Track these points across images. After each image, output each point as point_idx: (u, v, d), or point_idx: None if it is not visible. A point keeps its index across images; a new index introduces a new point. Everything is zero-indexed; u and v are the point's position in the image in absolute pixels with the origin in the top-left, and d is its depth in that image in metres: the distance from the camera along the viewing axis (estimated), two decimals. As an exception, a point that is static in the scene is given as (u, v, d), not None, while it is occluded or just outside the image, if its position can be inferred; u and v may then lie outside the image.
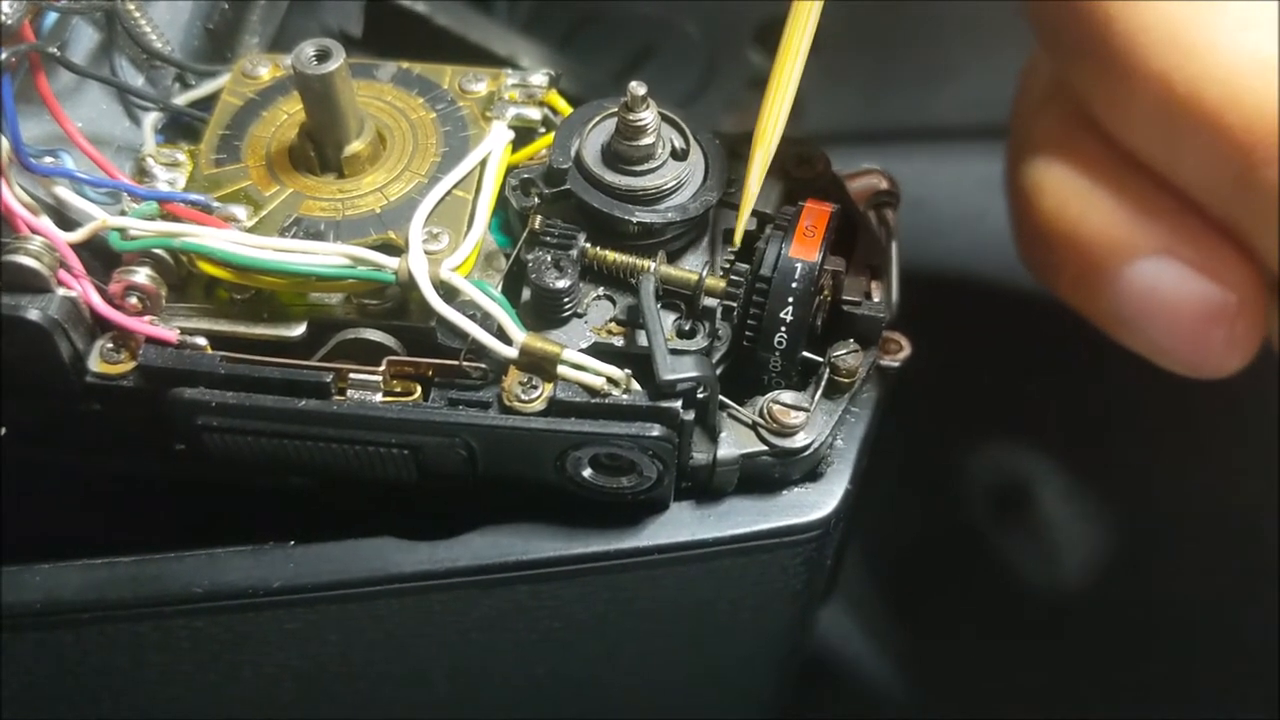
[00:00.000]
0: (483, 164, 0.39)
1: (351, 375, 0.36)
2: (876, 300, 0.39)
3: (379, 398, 0.36)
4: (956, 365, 0.53)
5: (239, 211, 0.37)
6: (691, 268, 0.38)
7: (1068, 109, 0.41)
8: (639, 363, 0.36)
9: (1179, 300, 0.39)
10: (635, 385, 0.35)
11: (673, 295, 0.37)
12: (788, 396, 0.37)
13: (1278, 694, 0.55)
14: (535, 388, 0.35)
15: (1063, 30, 0.39)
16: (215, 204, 0.37)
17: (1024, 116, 0.44)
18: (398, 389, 0.36)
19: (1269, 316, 0.40)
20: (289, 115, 0.40)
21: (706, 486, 0.38)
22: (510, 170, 0.39)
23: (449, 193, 0.38)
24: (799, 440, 0.37)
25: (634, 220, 0.37)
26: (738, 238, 0.38)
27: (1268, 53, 0.35)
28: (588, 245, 0.37)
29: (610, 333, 0.37)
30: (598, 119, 0.38)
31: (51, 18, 0.37)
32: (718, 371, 0.36)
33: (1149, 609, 0.60)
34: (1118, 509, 0.62)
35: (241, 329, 0.36)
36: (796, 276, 0.36)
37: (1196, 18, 0.36)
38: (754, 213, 0.39)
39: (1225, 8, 0.36)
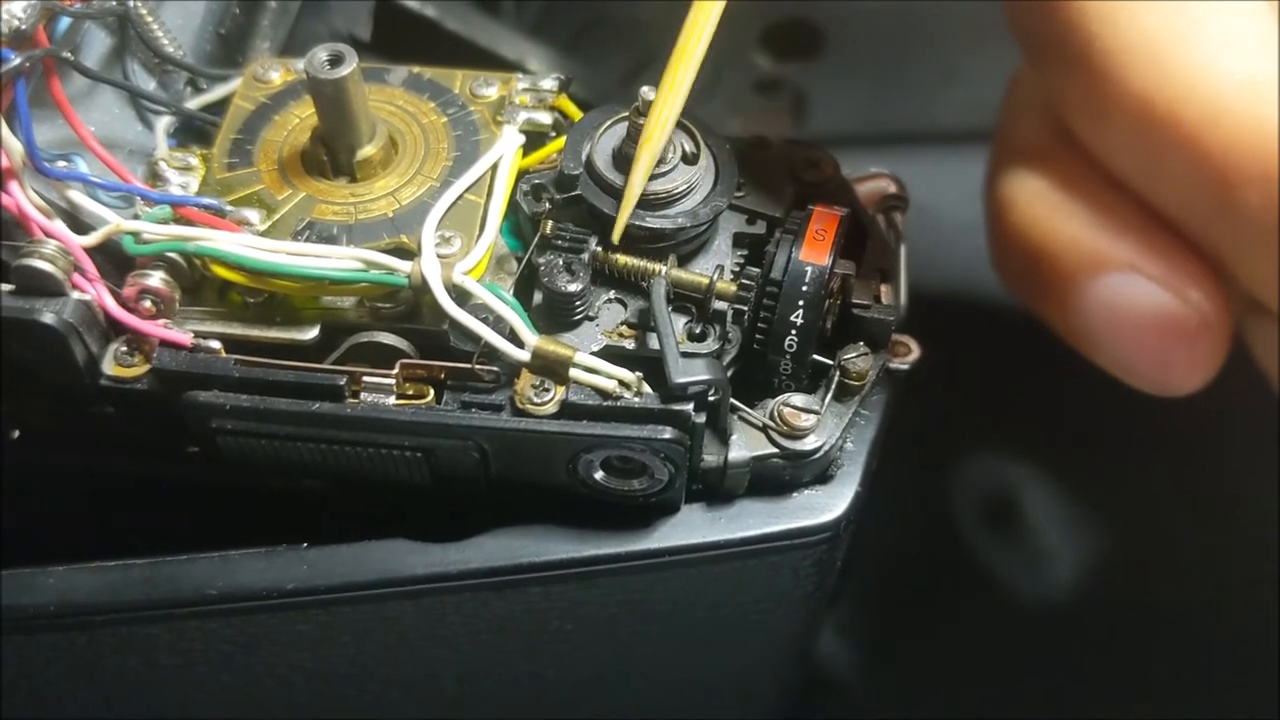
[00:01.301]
0: (494, 168, 0.39)
1: (365, 378, 0.36)
2: (886, 303, 0.39)
3: (392, 401, 0.36)
4: (959, 369, 0.53)
5: (252, 215, 0.37)
6: (702, 271, 0.38)
7: (1048, 121, 0.41)
8: (650, 366, 0.36)
9: (1143, 316, 0.39)
10: (647, 388, 0.36)
11: (684, 298, 0.37)
12: (798, 399, 0.38)
13: (1278, 694, 0.55)
14: (547, 390, 0.35)
15: (1045, 47, 0.39)
16: (228, 208, 0.38)
17: (1006, 125, 0.44)
18: (410, 392, 0.36)
19: (1263, 337, 0.40)
20: (301, 119, 0.40)
21: (717, 489, 0.38)
22: (521, 175, 0.39)
23: (461, 197, 0.38)
24: (809, 443, 0.37)
25: (645, 225, 0.37)
26: (615, 237, 0.37)
27: (1247, 74, 0.35)
28: (599, 249, 0.37)
29: (622, 336, 0.37)
30: (608, 123, 0.38)
31: (65, 22, 0.37)
32: (728, 374, 0.37)
33: (1149, 611, 0.60)
34: (1119, 512, 0.62)
35: (255, 332, 0.36)
36: (807, 280, 0.36)
37: (1177, 38, 0.36)
38: (764, 217, 0.39)
39: (1206, 28, 0.36)
